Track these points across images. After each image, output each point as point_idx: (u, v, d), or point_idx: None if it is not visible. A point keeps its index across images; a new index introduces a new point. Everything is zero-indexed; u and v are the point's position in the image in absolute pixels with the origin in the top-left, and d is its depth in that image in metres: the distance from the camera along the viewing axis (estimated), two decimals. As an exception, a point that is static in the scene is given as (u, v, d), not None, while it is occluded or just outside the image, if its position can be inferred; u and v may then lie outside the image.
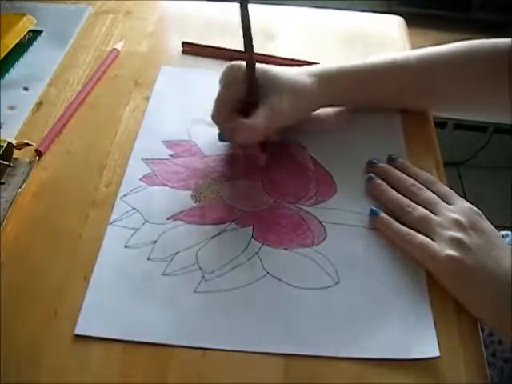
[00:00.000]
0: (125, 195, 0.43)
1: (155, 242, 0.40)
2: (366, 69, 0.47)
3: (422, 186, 0.42)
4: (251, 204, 0.43)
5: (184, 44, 0.59)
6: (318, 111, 0.49)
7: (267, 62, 0.46)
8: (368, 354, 0.35)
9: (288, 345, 0.35)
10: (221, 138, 0.47)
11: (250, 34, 0.40)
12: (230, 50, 0.57)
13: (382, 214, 0.41)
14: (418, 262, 0.39)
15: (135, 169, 0.45)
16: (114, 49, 0.57)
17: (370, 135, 0.49)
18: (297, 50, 0.58)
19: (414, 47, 0.61)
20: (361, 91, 0.48)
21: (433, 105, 0.52)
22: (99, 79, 0.54)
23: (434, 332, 0.35)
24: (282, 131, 0.47)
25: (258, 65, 0.43)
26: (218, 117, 0.44)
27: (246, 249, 0.40)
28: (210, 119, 0.44)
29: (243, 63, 0.43)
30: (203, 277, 0.38)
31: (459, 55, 0.48)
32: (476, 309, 0.36)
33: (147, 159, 0.46)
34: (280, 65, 0.47)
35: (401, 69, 0.48)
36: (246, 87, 0.43)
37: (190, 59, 0.58)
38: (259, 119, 0.42)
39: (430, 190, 0.42)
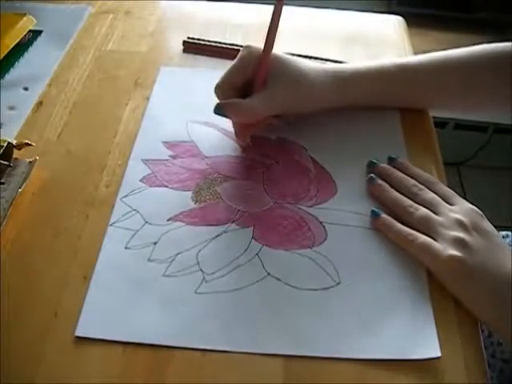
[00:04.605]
0: (125, 196, 0.43)
1: (155, 243, 0.40)
2: (379, 72, 0.48)
3: (423, 187, 0.42)
4: (251, 205, 0.43)
5: (185, 42, 0.59)
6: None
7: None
8: (368, 355, 0.34)
9: (288, 345, 0.35)
10: (217, 111, 0.45)
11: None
12: (230, 48, 0.57)
13: (384, 215, 0.41)
14: (419, 262, 0.39)
15: (135, 169, 0.45)
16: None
17: (370, 135, 0.49)
18: (297, 50, 0.58)
19: (414, 47, 0.61)
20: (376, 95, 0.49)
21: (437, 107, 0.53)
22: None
23: (434, 332, 0.35)
24: (289, 118, 0.48)
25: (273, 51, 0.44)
26: (220, 89, 0.44)
27: (246, 250, 0.40)
28: (209, 120, 0.43)
29: (261, 48, 0.43)
30: (204, 278, 0.38)
31: (467, 61, 0.48)
32: (476, 309, 0.36)
33: (147, 160, 0.46)
34: None
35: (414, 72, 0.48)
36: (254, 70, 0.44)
37: (190, 59, 0.58)
38: (255, 103, 0.43)
39: (430, 190, 0.42)
